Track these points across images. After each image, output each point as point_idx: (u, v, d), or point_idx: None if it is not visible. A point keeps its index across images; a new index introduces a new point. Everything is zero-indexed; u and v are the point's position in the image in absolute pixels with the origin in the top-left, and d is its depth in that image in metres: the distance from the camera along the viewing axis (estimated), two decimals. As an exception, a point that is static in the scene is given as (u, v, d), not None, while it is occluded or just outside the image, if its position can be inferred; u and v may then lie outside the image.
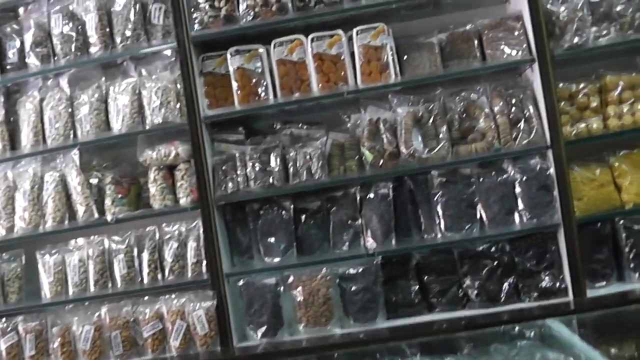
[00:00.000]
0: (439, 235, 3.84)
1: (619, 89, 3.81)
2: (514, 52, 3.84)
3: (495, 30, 3.89)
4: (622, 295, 3.68)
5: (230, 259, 3.99)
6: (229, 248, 3.98)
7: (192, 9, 3.92)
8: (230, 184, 3.87)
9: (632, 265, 3.77)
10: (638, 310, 3.53)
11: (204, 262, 3.86)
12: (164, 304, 3.83)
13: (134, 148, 4.01)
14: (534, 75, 3.80)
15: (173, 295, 3.86)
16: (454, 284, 3.88)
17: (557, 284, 3.76)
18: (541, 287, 3.78)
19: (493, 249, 3.84)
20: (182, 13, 3.89)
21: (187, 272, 3.90)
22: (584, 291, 3.69)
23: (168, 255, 3.91)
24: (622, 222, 3.80)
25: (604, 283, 3.80)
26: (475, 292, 3.82)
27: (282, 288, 3.85)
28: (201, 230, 3.86)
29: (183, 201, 3.92)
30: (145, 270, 3.93)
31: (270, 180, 3.84)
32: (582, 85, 3.84)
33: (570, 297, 3.72)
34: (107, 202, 3.97)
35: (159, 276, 3.93)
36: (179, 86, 3.94)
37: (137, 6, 4.00)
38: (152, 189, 3.95)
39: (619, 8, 3.82)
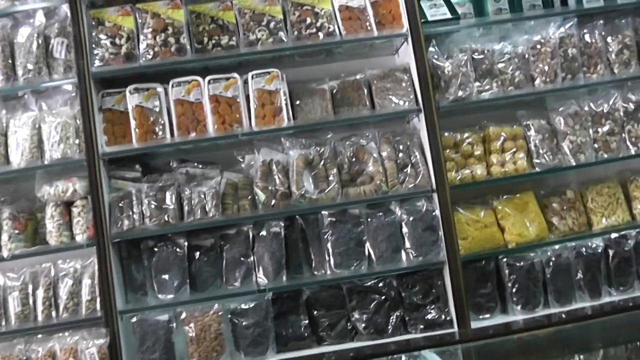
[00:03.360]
0: (329, 272, 3.93)
1: (501, 139, 3.99)
2: (401, 102, 3.98)
3: (384, 80, 4.02)
4: (505, 326, 3.86)
5: (125, 296, 3.97)
6: (123, 285, 3.98)
7: (94, 45, 3.91)
8: (126, 221, 3.87)
9: (514, 299, 3.96)
10: (519, 340, 3.72)
11: (98, 300, 3.85)
12: (57, 342, 3.76)
13: (32, 183, 3.97)
14: (421, 124, 3.93)
15: (67, 333, 3.80)
16: (343, 318, 3.98)
17: (443, 317, 3.91)
18: (427, 319, 3.92)
19: (381, 284, 3.96)
20: (84, 48, 3.87)
21: (81, 309, 3.88)
22: (468, 323, 3.84)
23: (63, 293, 3.88)
24: (505, 259, 3.99)
25: (488, 315, 3.98)
26: (363, 325, 3.93)
27: (174, 324, 3.86)
28: (96, 267, 3.84)
29: (79, 238, 3.91)
30: (40, 307, 3.88)
31: (166, 217, 3.87)
32: (466, 135, 4.01)
33: (455, 328, 3.86)
34: (4, 237, 3.90)
35: (53, 314, 3.88)
36: (78, 122, 3.93)
37: (40, 39, 3.98)
38: (49, 225, 3.93)
39: (500, 66, 4.00)
